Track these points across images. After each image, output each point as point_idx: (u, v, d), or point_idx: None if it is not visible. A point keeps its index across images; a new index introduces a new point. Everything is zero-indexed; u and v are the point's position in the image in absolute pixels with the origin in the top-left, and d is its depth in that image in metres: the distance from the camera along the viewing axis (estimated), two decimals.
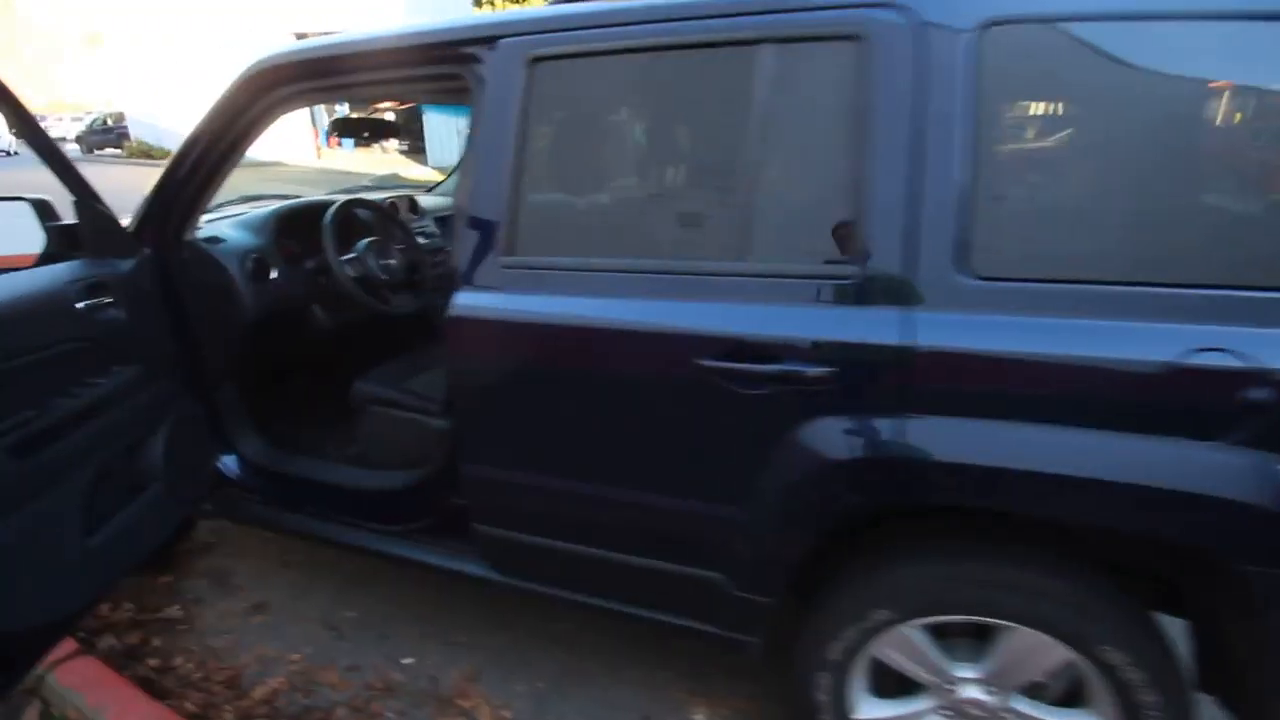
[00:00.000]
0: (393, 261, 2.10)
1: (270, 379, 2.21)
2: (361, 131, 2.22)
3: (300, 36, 16.34)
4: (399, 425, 1.90)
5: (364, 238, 2.08)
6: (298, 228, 2.12)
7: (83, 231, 1.53)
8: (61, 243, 1.55)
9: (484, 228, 1.37)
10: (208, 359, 1.86)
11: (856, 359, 1.13)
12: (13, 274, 1.38)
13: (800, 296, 1.16)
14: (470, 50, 1.38)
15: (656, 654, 1.85)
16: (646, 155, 1.39)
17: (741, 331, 1.18)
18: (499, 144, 1.35)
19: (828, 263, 1.16)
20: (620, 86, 1.32)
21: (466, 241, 1.39)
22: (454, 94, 1.95)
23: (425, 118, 14.89)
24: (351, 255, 2.00)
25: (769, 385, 1.18)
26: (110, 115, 21.31)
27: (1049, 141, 1.09)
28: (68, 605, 1.34)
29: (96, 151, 20.14)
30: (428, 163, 15.05)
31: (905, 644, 1.27)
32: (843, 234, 1.14)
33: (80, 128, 22.06)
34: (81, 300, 1.43)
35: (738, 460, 1.25)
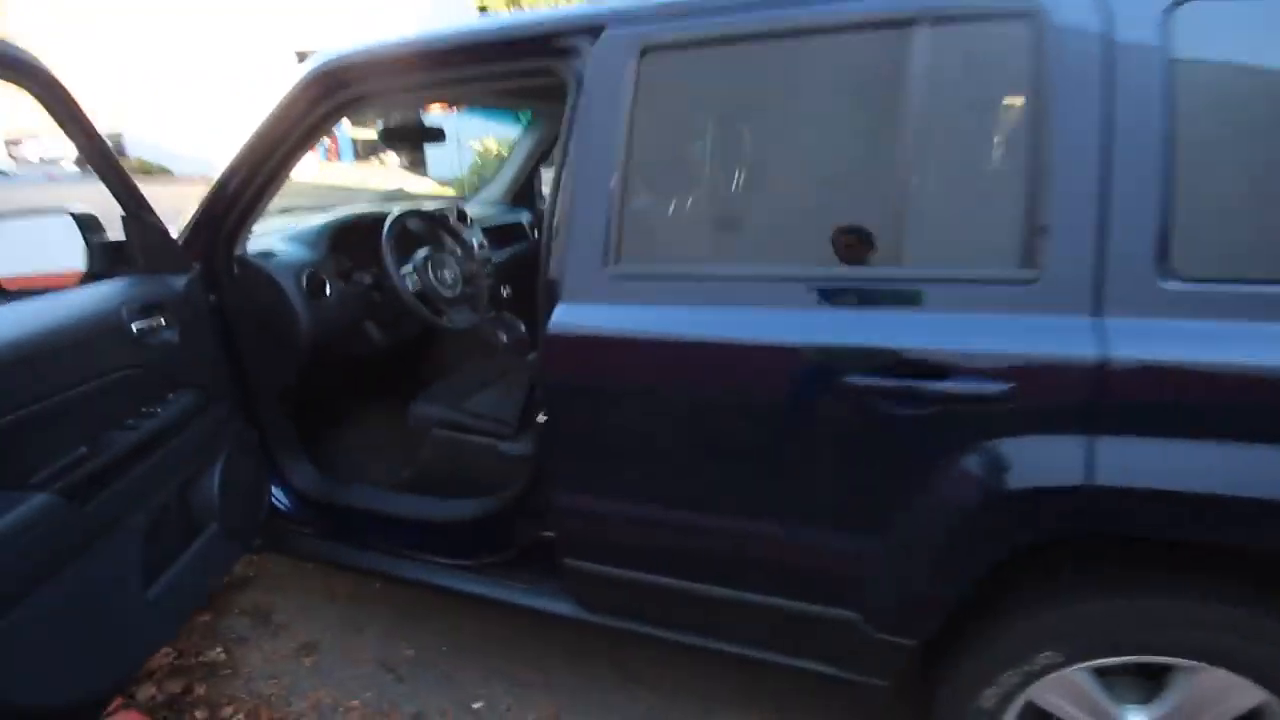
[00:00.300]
0: (450, 274, 1.97)
1: (320, 402, 2.07)
2: (413, 140, 2.08)
3: (301, 56, 16.26)
4: (465, 450, 1.76)
5: (418, 249, 1.95)
6: (350, 241, 1.99)
7: (132, 246, 1.40)
8: (107, 260, 1.41)
9: (587, 234, 1.24)
10: (258, 382, 1.72)
11: (1040, 374, 1.00)
12: (60, 294, 1.24)
13: (972, 304, 1.04)
14: (568, 42, 1.26)
15: (744, 693, 1.71)
16: (779, 151, 1.26)
17: (903, 345, 1.05)
18: (604, 143, 1.22)
19: (1004, 266, 1.03)
20: (747, 77, 1.20)
21: (566, 249, 1.26)
22: (532, 95, 1.83)
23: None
24: (410, 268, 1.87)
25: (934, 405, 1.05)
26: (110, 136, 21.08)
27: (1261, 124, 0.97)
28: (127, 669, 1.19)
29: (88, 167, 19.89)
30: (427, 174, 14.92)
31: (1070, 688, 1.14)
32: (1021, 233, 1.02)
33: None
34: (136, 322, 1.29)
35: (889, 489, 1.12)
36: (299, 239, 1.85)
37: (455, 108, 2.43)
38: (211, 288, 1.60)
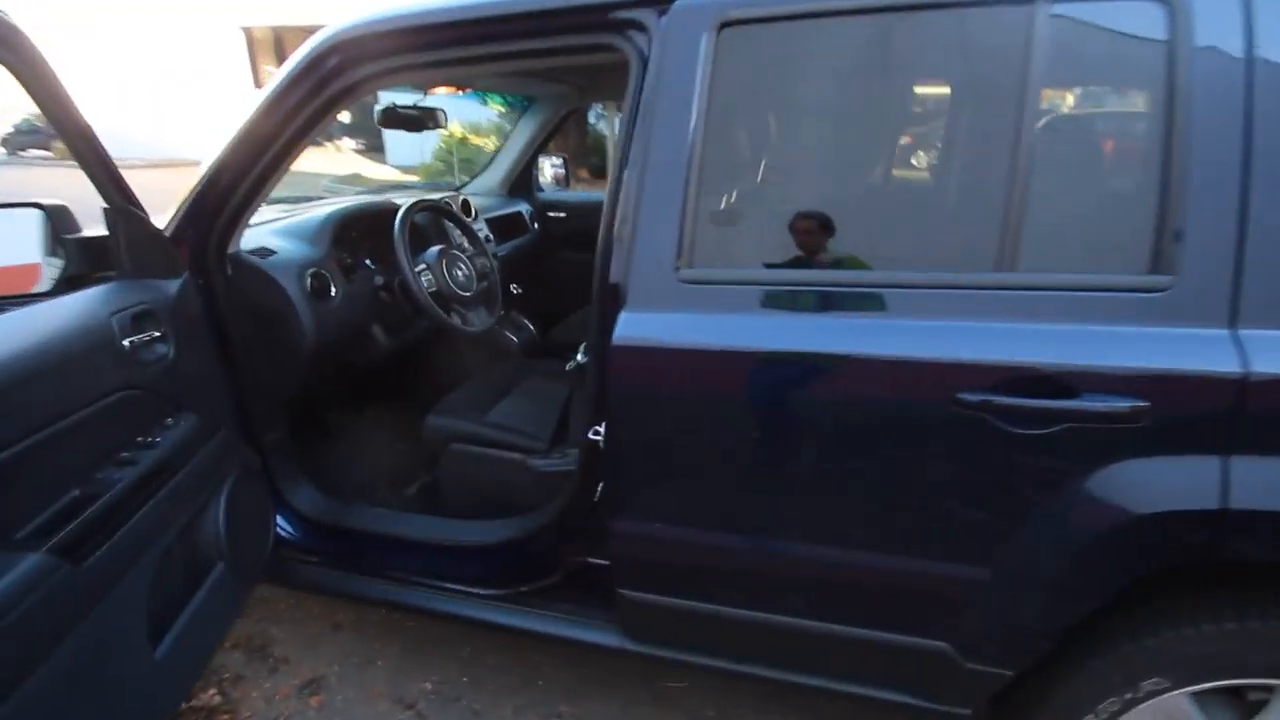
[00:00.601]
0: (463, 272, 1.81)
1: (321, 415, 1.89)
2: (413, 123, 1.90)
3: (247, 31, 15.51)
4: (490, 467, 1.62)
5: (429, 245, 1.78)
6: (353, 236, 1.80)
7: (116, 245, 1.20)
8: (86, 260, 1.22)
9: (653, 234, 1.11)
10: (255, 396, 1.53)
11: (1176, 390, 0.92)
12: (37, 306, 1.05)
13: (1095, 314, 0.95)
14: (630, 15, 1.12)
15: (789, 713, 1.62)
16: (878, 144, 1.15)
17: (1024, 359, 0.96)
18: (674, 131, 1.09)
19: (1132, 273, 0.94)
20: (843, 59, 1.08)
21: (631, 251, 1.12)
22: (538, 76, 1.67)
23: None
24: (422, 266, 1.70)
25: (1056, 423, 0.96)
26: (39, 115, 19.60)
27: None
28: None
29: (20, 153, 18.56)
30: (387, 161, 14.41)
31: (1170, 712, 1.09)
32: (1152, 237, 0.93)
33: (6, 128, 20.27)
34: (127, 336, 1.11)
35: (1000, 514, 1.03)
36: (297, 234, 1.66)
37: (463, 90, 2.26)
38: (202, 290, 1.41)
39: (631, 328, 1.11)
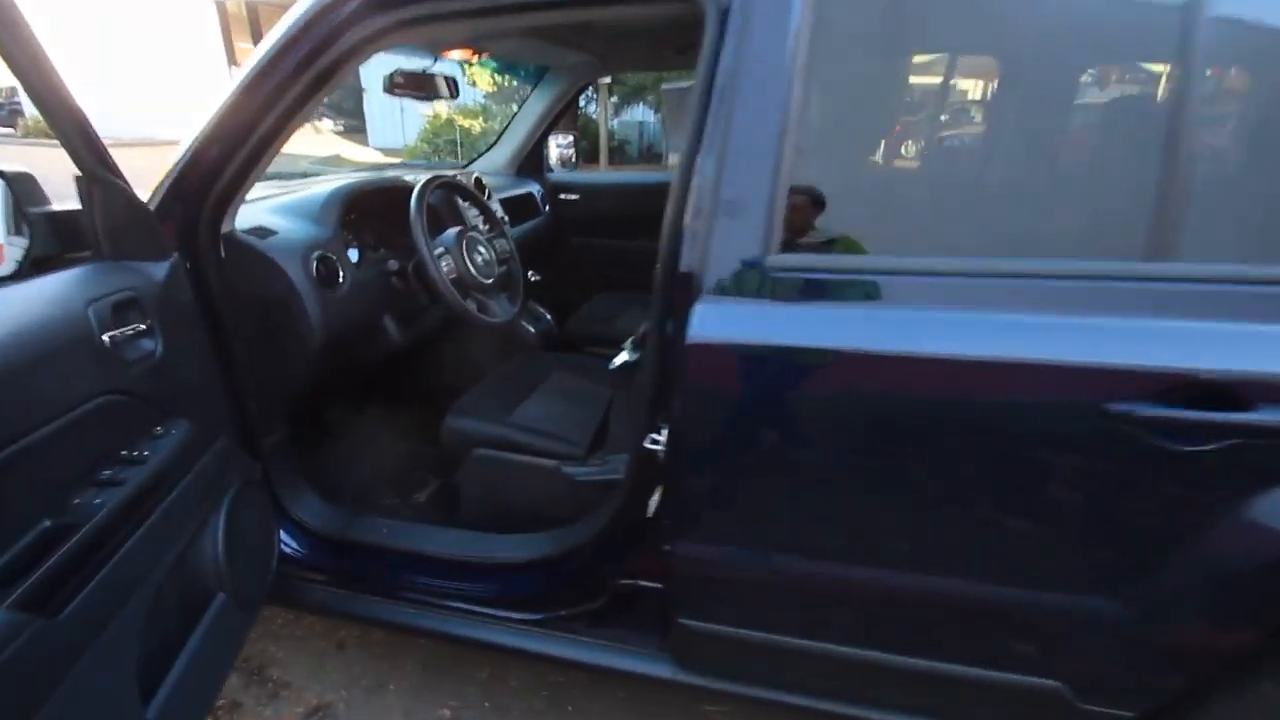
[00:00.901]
0: (482, 256, 1.63)
1: (325, 416, 1.71)
2: (423, 89, 1.71)
3: (220, 4, 14.93)
4: (519, 474, 1.45)
5: (447, 227, 1.60)
6: (359, 215, 1.61)
7: (91, 221, 1.01)
8: (55, 239, 1.03)
9: (736, 217, 0.95)
10: (254, 396, 1.35)
11: None
12: None
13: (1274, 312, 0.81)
14: None
15: None
16: (1012, 110, 0.98)
17: (1187, 365, 0.81)
18: (762, 93, 0.92)
19: None
20: (974, 8, 0.91)
21: (705, 238, 0.96)
22: (602, 43, 1.50)
23: (365, 95, 13.83)
24: (440, 250, 1.52)
25: (1222, 439, 0.82)
26: (3, 89, 18.81)
27: None
28: None
29: None
30: (369, 143, 14.02)
31: None
32: None
33: None
34: (108, 329, 0.92)
35: (1143, 538, 0.89)
36: (299, 212, 1.47)
37: (478, 56, 2.05)
38: (192, 275, 1.22)
39: (710, 324, 0.95)
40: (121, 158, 1.09)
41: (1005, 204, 0.93)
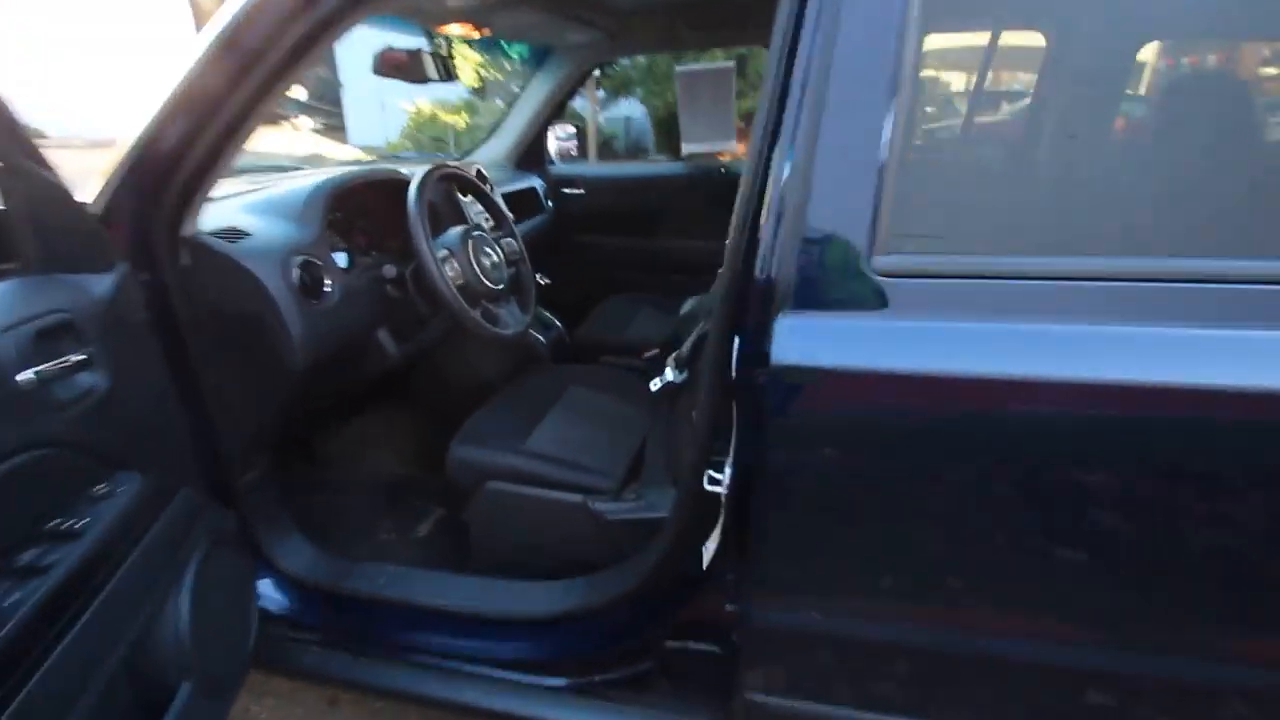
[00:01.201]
0: (490, 259, 1.42)
1: (311, 445, 1.50)
2: (414, 71, 1.50)
3: None
4: (539, 511, 1.25)
5: (449, 226, 1.39)
6: (348, 213, 1.40)
7: (14, 225, 0.80)
8: None
9: (832, 207, 0.76)
10: (229, 431, 1.14)
11: None
12: None
13: None
14: None
15: None
16: (1179, 77, 0.79)
17: None
18: (862, 65, 0.73)
19: None
20: None
21: (789, 236, 0.77)
22: (614, 20, 1.30)
23: (343, 91, 13.48)
24: (444, 253, 1.31)
25: None
26: None
27: None
28: None
29: None
30: (348, 140, 13.66)
31: None
32: None
33: None
34: (31, 364, 0.71)
35: None
36: (277, 210, 1.25)
37: (481, 32, 1.85)
38: (148, 289, 1.01)
39: (803, 343, 0.76)
40: (95, 160, 0.89)
41: (1176, 195, 0.74)
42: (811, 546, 0.83)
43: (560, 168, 2.56)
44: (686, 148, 2.37)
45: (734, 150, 2.45)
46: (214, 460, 1.10)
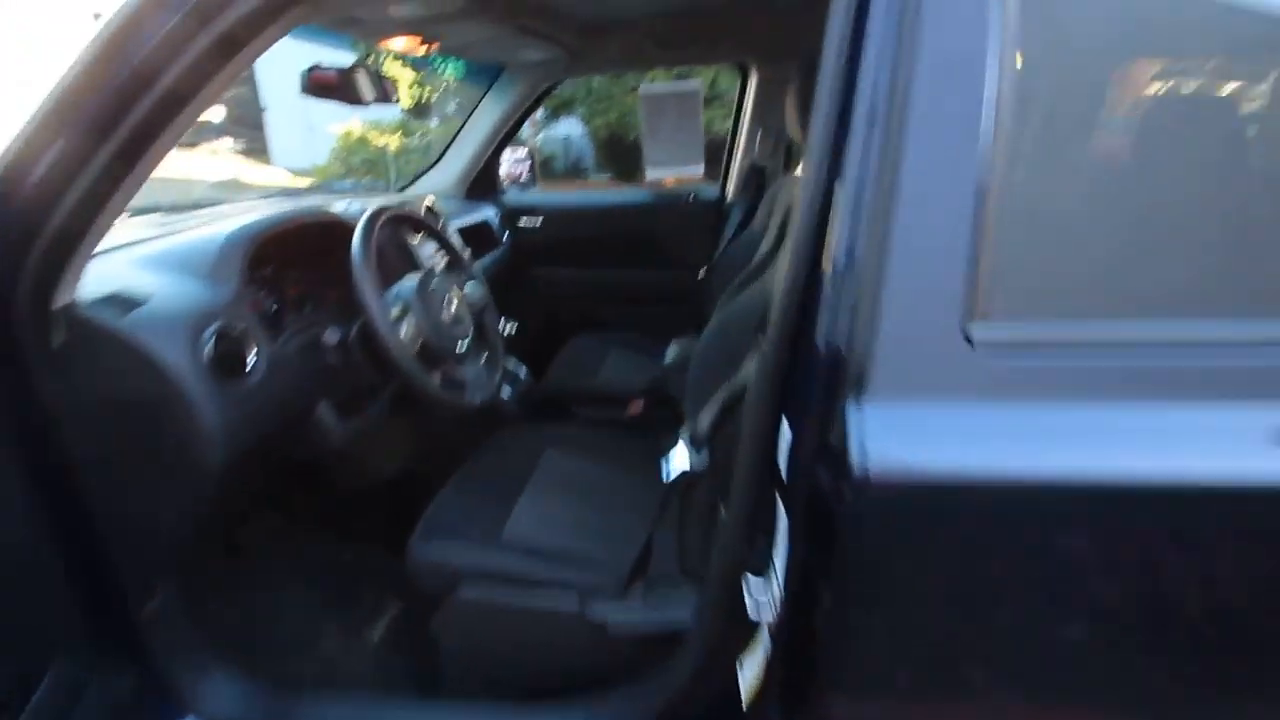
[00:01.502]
0: (450, 312, 1.20)
1: (240, 554, 1.24)
2: (348, 90, 1.27)
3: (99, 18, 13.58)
4: (523, 621, 1.04)
5: (402, 274, 1.17)
6: (274, 265, 1.16)
7: None
8: None
9: (910, 266, 0.59)
10: (125, 552, 0.88)
11: None
12: None
13: None
14: None
15: None
16: None
17: None
18: (951, 97, 0.58)
19: None
20: None
21: (862, 295, 0.60)
22: (575, 36, 1.16)
23: (266, 114, 12.84)
24: (398, 308, 1.09)
25: None
26: None
27: None
28: None
29: None
30: (271, 163, 12.99)
31: None
32: None
33: None
34: None
35: None
36: (183, 264, 1.01)
37: (428, 49, 1.64)
38: (17, 384, 0.77)
39: (897, 442, 0.59)
40: None
41: None
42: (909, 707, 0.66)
43: (515, 196, 2.36)
44: (651, 173, 2.22)
45: (699, 175, 2.31)
46: (105, 601, 0.84)
